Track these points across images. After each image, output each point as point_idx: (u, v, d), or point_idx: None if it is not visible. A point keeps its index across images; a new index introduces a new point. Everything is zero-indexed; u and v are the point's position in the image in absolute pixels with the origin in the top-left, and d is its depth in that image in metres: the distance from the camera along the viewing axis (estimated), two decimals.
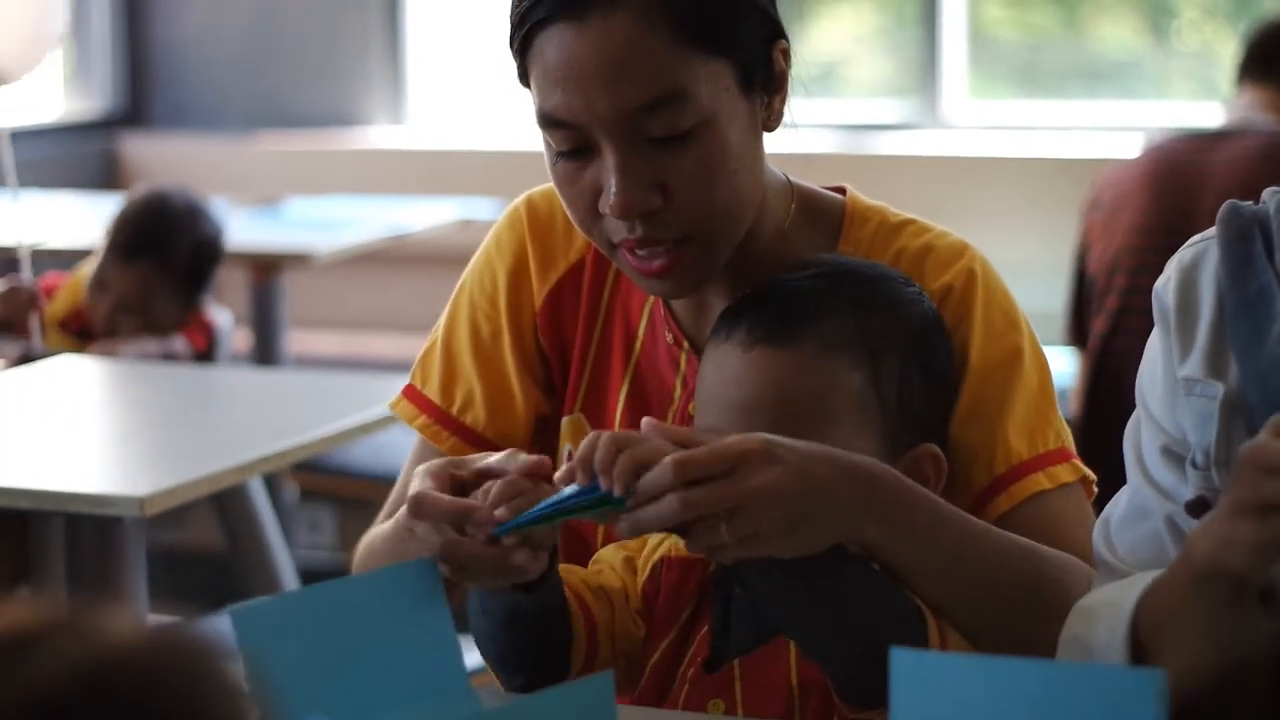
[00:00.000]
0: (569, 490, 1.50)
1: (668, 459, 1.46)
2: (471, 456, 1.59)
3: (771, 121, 1.69)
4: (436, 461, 1.58)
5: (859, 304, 1.66)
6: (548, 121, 1.64)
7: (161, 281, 3.82)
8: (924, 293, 1.71)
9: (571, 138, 1.63)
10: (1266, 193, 1.54)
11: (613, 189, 1.62)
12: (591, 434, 1.51)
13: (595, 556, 1.74)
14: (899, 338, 1.66)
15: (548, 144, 1.66)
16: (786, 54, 1.69)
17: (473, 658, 1.83)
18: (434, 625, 1.57)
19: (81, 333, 3.86)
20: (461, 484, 1.56)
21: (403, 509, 1.57)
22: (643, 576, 1.70)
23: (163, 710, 0.81)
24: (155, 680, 0.81)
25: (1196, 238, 1.56)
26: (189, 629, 0.85)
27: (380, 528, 1.76)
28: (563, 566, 1.68)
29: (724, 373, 1.65)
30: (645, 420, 1.54)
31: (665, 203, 1.63)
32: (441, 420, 1.82)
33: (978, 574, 1.57)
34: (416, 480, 1.57)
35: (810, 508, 1.50)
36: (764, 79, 1.67)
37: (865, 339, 1.64)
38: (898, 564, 1.56)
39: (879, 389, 1.63)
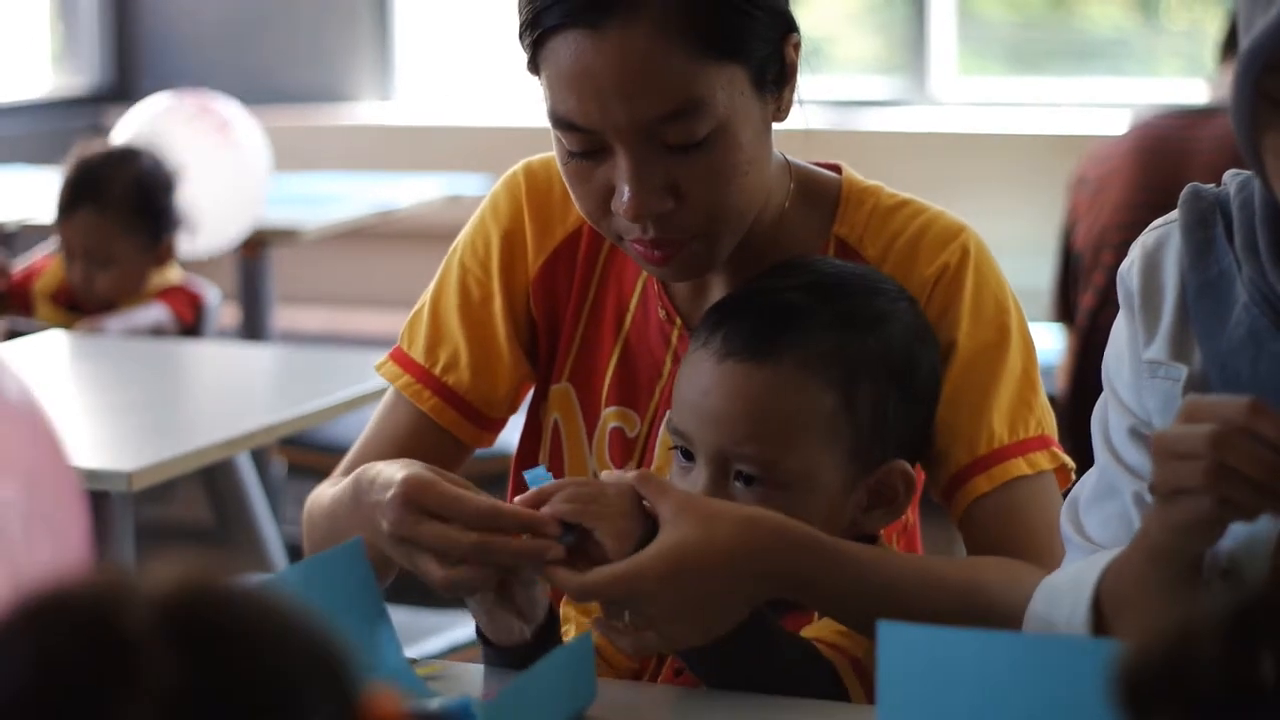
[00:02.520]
0: None
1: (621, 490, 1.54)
2: (426, 482, 1.55)
3: (781, 113, 1.68)
4: (408, 489, 1.55)
5: (841, 322, 1.64)
6: (561, 124, 1.63)
7: (107, 220, 3.79)
8: (912, 302, 1.69)
9: (585, 140, 1.62)
10: (1227, 175, 1.54)
11: (626, 193, 1.61)
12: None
13: None
14: (879, 358, 1.64)
15: (558, 140, 1.65)
16: (798, 46, 1.67)
17: (439, 640, 1.83)
18: (368, 611, 1.59)
19: (73, 306, 3.86)
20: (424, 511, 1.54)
21: (353, 481, 1.61)
22: None
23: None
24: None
25: (1158, 221, 1.56)
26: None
27: (328, 491, 1.73)
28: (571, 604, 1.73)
29: (697, 380, 1.65)
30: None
31: (677, 204, 1.63)
32: (424, 379, 1.81)
33: (909, 612, 1.54)
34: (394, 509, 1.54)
35: (703, 609, 1.52)
36: (775, 75, 1.65)
37: (843, 361, 1.63)
38: (817, 608, 1.61)
39: (852, 411, 1.63)
